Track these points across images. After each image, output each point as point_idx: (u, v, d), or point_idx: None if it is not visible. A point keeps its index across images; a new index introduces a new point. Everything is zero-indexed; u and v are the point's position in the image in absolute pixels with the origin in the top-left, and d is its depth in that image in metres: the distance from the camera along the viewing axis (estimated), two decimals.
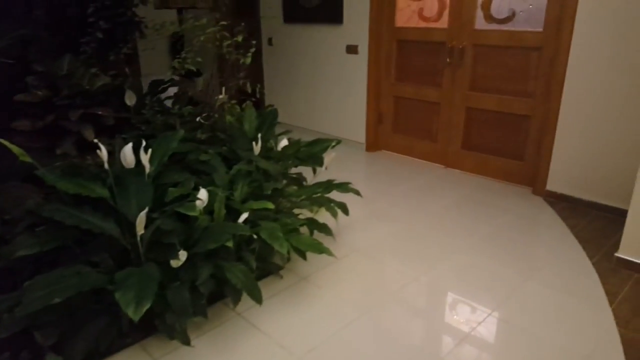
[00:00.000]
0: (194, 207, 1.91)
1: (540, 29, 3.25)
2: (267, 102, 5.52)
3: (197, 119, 2.97)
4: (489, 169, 3.76)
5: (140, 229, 1.76)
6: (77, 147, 2.56)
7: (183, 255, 1.77)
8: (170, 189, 2.08)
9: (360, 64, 4.33)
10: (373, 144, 4.52)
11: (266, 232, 1.96)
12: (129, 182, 2.01)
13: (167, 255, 1.77)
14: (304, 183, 3.13)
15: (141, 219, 1.75)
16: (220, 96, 3.02)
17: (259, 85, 3.09)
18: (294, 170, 2.84)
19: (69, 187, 1.86)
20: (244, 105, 2.87)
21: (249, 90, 3.12)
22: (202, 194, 1.95)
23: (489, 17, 3.51)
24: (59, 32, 3.03)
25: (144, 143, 2.04)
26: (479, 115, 3.73)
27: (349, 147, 4.62)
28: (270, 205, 2.19)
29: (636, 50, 2.80)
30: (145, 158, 2.04)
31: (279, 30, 5.06)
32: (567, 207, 3.24)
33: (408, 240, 2.80)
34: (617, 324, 2.05)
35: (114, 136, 2.72)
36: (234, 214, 2.14)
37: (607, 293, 2.27)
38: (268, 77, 5.42)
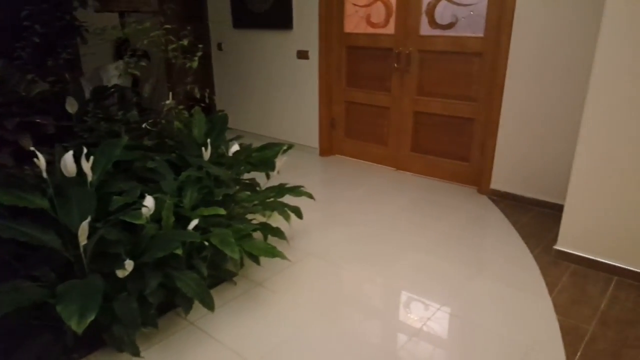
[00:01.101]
0: (139, 215, 1.85)
1: (481, 35, 3.40)
2: (218, 108, 5.46)
3: (144, 125, 2.90)
4: (437, 170, 3.88)
5: (82, 240, 1.69)
6: (15, 157, 2.43)
7: (129, 265, 1.71)
8: (115, 197, 2.01)
9: (311, 69, 4.36)
10: (326, 149, 4.56)
11: (217, 238, 1.93)
12: (71, 192, 1.93)
13: (113, 266, 1.71)
14: (258, 188, 3.12)
15: (83, 229, 1.68)
16: (168, 101, 2.95)
17: (208, 91, 3.05)
18: (247, 175, 2.82)
19: (5, 199, 1.76)
20: (192, 111, 2.82)
21: (198, 96, 3.08)
22: (148, 201, 1.90)
23: (433, 23, 3.63)
24: None
25: (85, 151, 1.97)
26: (427, 119, 3.85)
27: (303, 152, 4.64)
28: (222, 211, 2.16)
29: (567, 55, 2.99)
30: (87, 166, 1.96)
31: (229, 35, 5.02)
32: (511, 204, 3.40)
33: (362, 242, 2.84)
34: (556, 312, 2.17)
35: (54, 145, 2.61)
36: (184, 221, 2.10)
37: (547, 284, 2.40)
38: (218, 82, 5.36)
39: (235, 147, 2.73)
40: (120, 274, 1.70)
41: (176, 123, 2.88)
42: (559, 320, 2.11)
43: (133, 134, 2.90)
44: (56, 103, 2.86)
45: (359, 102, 4.24)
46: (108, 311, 1.68)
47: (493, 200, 3.47)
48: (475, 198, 3.53)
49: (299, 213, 2.63)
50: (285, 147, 2.58)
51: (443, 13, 3.57)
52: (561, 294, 2.31)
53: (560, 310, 2.18)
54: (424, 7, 3.62)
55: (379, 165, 4.25)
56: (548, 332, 2.03)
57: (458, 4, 3.48)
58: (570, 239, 2.58)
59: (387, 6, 3.85)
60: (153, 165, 2.32)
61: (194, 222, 2.02)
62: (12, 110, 2.59)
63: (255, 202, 2.41)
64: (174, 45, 2.46)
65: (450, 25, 3.56)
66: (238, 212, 2.41)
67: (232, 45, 5.03)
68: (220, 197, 2.21)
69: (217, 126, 2.78)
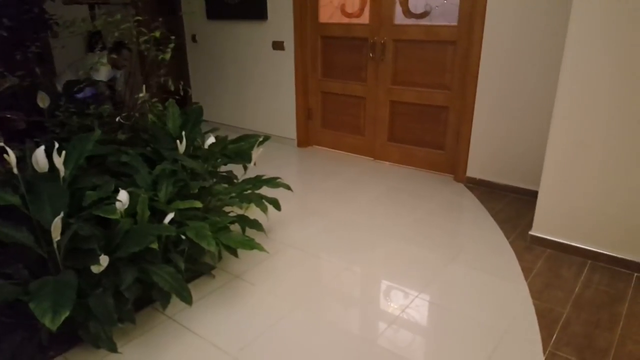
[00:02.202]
0: (113, 210, 1.84)
1: (455, 24, 3.44)
2: (193, 100, 5.40)
3: (117, 119, 2.86)
4: (414, 159, 3.93)
5: (56, 236, 1.67)
6: None
7: (104, 260, 1.70)
8: (88, 192, 1.99)
9: (287, 60, 4.35)
10: (304, 140, 4.57)
11: (193, 231, 1.93)
12: (43, 188, 1.90)
13: (87, 262, 1.70)
14: (235, 180, 3.11)
15: (56, 225, 1.66)
16: (141, 94, 2.91)
17: (182, 83, 3.02)
18: (224, 168, 2.82)
19: None
20: (166, 104, 2.79)
21: (172, 88, 3.05)
22: (122, 195, 1.88)
23: (407, 12, 3.66)
24: None
25: (57, 145, 1.94)
26: (402, 109, 3.88)
27: (280, 144, 4.64)
28: (198, 204, 2.15)
29: (540, 42, 3.05)
30: (59, 161, 1.93)
31: (203, 27, 4.96)
32: (486, 191, 3.47)
33: (340, 232, 2.87)
34: (532, 296, 2.23)
35: (25, 141, 2.57)
36: (159, 215, 2.09)
37: (523, 269, 2.46)
38: (193, 74, 5.30)
39: (211, 140, 2.71)
40: (95, 269, 1.69)
41: (150, 116, 2.85)
42: (535, 305, 2.16)
43: (106, 128, 2.86)
44: (26, 98, 2.80)
45: (335, 93, 4.25)
46: (83, 307, 1.67)
47: (469, 188, 3.54)
48: (451, 186, 3.60)
49: (277, 205, 2.64)
50: (261, 139, 2.58)
51: (417, 2, 3.60)
52: (536, 279, 2.38)
53: (536, 294, 2.24)
54: None
55: (357, 155, 4.28)
56: (524, 316, 2.09)
57: None
58: (544, 225, 2.66)
59: None
60: (127, 159, 2.30)
61: (170, 216, 2.01)
62: None
63: (232, 194, 2.41)
64: (145, 38, 2.42)
65: (424, 14, 3.59)
66: (215, 205, 2.40)
67: (207, 36, 4.98)
68: (197, 190, 2.20)
69: (192, 119, 2.75)
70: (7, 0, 2.64)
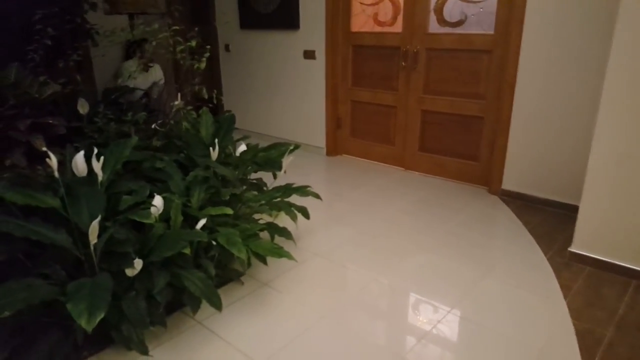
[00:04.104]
0: (148, 215, 1.88)
1: (491, 32, 3.38)
2: (225, 109, 5.49)
3: (153, 126, 2.93)
4: (445, 170, 3.87)
5: (93, 238, 1.72)
6: (27, 157, 2.48)
7: (138, 264, 1.74)
8: (124, 197, 2.04)
9: (317, 69, 4.37)
10: (333, 149, 4.57)
11: (224, 237, 1.95)
12: (81, 191, 1.96)
13: (122, 265, 1.73)
14: (265, 188, 3.14)
15: (93, 228, 1.71)
16: (176, 102, 2.98)
17: (215, 91, 3.07)
18: (254, 175, 2.84)
19: (18, 198, 1.80)
20: (200, 112, 2.84)
21: (205, 96, 3.11)
22: (157, 200, 1.92)
23: (441, 21, 3.62)
24: (5, 40, 2.92)
25: (95, 151, 2.00)
26: (434, 118, 3.84)
27: (309, 153, 4.65)
28: (229, 211, 2.18)
29: (583, 50, 2.96)
30: (97, 166, 1.99)
31: (236, 36, 5.05)
32: (522, 205, 3.37)
33: (368, 243, 2.84)
34: (571, 316, 2.13)
35: (65, 146, 2.66)
36: (191, 221, 2.12)
37: (561, 287, 2.36)
38: (226, 83, 5.39)
39: (242, 147, 2.75)
40: (130, 272, 1.73)
41: (184, 124, 2.91)
42: (574, 325, 2.07)
43: (142, 135, 2.94)
44: (67, 104, 2.91)
45: (365, 102, 4.24)
46: (117, 310, 1.70)
47: (504, 201, 3.45)
48: (485, 198, 3.52)
49: (305, 213, 2.64)
50: (291, 147, 2.59)
51: (452, 10, 3.56)
52: (576, 297, 2.28)
53: (575, 314, 2.15)
54: (433, 4, 3.62)
55: (386, 165, 4.25)
56: (562, 336, 2.00)
57: (468, 1, 3.46)
58: (585, 241, 2.55)
59: (395, 4, 3.85)
60: (161, 166, 2.35)
61: (202, 222, 2.04)
62: (24, 111, 2.64)
63: (262, 201, 2.42)
64: (181, 47, 2.48)
65: (459, 23, 3.55)
66: (245, 212, 2.42)
67: (239, 46, 5.06)
68: (227, 197, 2.23)
69: (224, 126, 2.79)
70: (51, 11, 2.75)
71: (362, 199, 3.53)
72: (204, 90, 2.91)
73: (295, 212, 2.54)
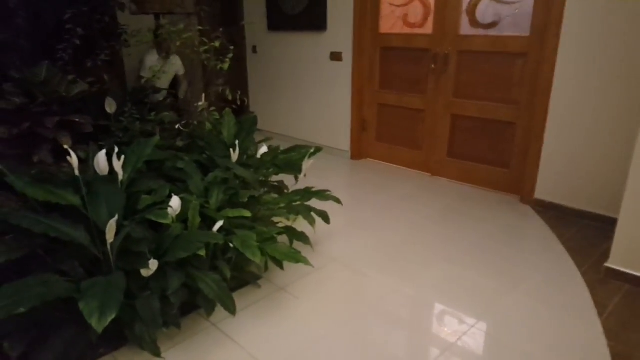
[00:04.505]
0: (165, 215, 1.87)
1: (527, 34, 3.26)
2: (251, 110, 5.51)
3: (177, 126, 2.94)
4: (475, 177, 3.75)
5: (110, 237, 1.72)
6: (54, 154, 2.52)
7: (154, 264, 1.72)
8: (144, 196, 2.04)
9: (344, 71, 4.32)
10: (357, 152, 4.51)
11: (239, 240, 1.92)
12: (101, 190, 1.97)
13: (138, 264, 1.73)
14: (286, 191, 3.11)
15: (111, 227, 1.71)
16: (201, 103, 2.99)
17: (239, 92, 3.07)
18: (275, 178, 2.81)
19: (39, 194, 1.82)
20: (223, 113, 2.84)
21: (229, 97, 3.11)
22: (175, 202, 1.91)
23: (474, 22, 3.52)
24: (37, 39, 2.99)
25: (117, 150, 2.01)
26: (464, 123, 3.73)
27: (333, 156, 4.60)
28: (247, 213, 2.15)
29: (625, 55, 2.81)
30: (118, 165, 2.00)
31: (264, 38, 5.05)
32: (556, 216, 3.22)
33: (389, 250, 2.77)
34: (607, 337, 2.00)
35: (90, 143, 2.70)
36: (209, 222, 2.11)
37: (596, 305, 2.23)
38: (252, 85, 5.41)
39: (264, 149, 2.73)
40: (145, 272, 1.72)
41: (207, 124, 2.91)
42: (610, 347, 1.94)
43: (166, 134, 2.96)
44: (96, 103, 2.96)
45: (392, 105, 4.16)
46: (131, 309, 1.69)
47: (537, 211, 3.30)
48: (517, 208, 3.38)
49: (326, 217, 2.59)
50: (312, 150, 2.55)
51: (485, 12, 3.45)
52: (612, 317, 2.14)
53: (611, 335, 2.02)
54: (465, 5, 3.51)
55: (412, 170, 4.15)
56: (597, 358, 1.88)
57: (502, 2, 3.35)
58: (623, 257, 2.40)
59: (426, 5, 3.76)
60: (182, 166, 2.34)
61: (219, 224, 2.02)
62: (52, 109, 2.69)
63: (281, 205, 2.38)
64: (206, 47, 2.48)
65: (492, 25, 3.43)
66: (264, 215, 2.39)
67: (266, 47, 5.06)
68: (246, 199, 2.20)
69: (246, 128, 2.78)
70: (81, 10, 2.80)
71: (385, 204, 3.45)
72: (228, 91, 2.90)
73: (315, 216, 2.50)
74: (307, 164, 2.47)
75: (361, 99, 4.34)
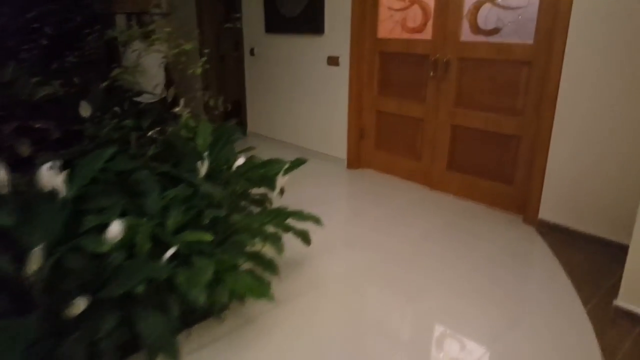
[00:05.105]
0: (102, 242, 1.62)
1: (531, 41, 2.97)
2: (249, 115, 5.28)
3: (150, 133, 2.72)
4: (476, 192, 3.46)
5: (32, 267, 1.48)
6: (13, 164, 2.31)
7: (80, 303, 1.48)
8: (88, 217, 1.80)
9: (341, 76, 4.06)
10: (355, 161, 4.24)
11: (185, 276, 1.66)
12: (41, 209, 1.74)
13: (64, 301, 1.48)
14: (268, 204, 2.86)
15: (34, 256, 1.47)
16: (178, 108, 2.76)
17: (222, 99, 2.83)
18: (259, 190, 2.58)
19: None
20: (199, 120, 2.60)
21: (211, 103, 2.88)
22: (113, 227, 1.66)
23: (475, 28, 3.24)
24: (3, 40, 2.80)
25: (58, 163, 1.78)
26: (465, 134, 3.44)
27: (330, 163, 4.35)
28: (208, 237, 1.89)
29: (635, 64, 2.51)
30: (58, 179, 1.77)
31: (261, 40, 4.82)
32: (561, 239, 2.92)
33: (378, 275, 2.50)
34: None
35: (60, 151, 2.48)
36: (164, 247, 1.86)
37: (603, 350, 1.93)
38: (250, 88, 5.17)
39: (240, 161, 2.48)
40: (69, 313, 1.47)
41: (182, 131, 2.68)
42: None
43: (142, 142, 2.74)
44: (69, 106, 2.76)
45: (391, 112, 3.89)
46: (52, 355, 1.45)
47: (540, 233, 3.00)
48: (519, 228, 3.08)
49: (306, 238, 2.33)
50: (287, 165, 2.28)
51: (487, 17, 3.17)
52: None
53: None
54: (466, 10, 3.23)
55: (411, 182, 3.87)
56: None
57: (504, 8, 3.07)
58: (635, 294, 2.10)
59: (425, 10, 3.49)
60: (144, 178, 2.11)
61: (171, 251, 1.77)
62: (14, 114, 2.48)
63: (254, 225, 2.12)
64: (175, 50, 2.25)
65: (494, 31, 3.15)
66: (237, 237, 2.14)
67: (264, 50, 4.83)
68: (207, 221, 1.95)
69: (224, 137, 2.53)
70: (49, 9, 2.59)
71: (380, 219, 3.18)
72: (208, 96, 2.66)
73: (295, 236, 2.24)
74: (282, 180, 2.22)
75: (359, 105, 4.08)
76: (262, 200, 2.85)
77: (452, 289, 2.36)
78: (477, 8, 3.19)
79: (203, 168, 2.19)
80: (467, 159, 3.48)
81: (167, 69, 4.56)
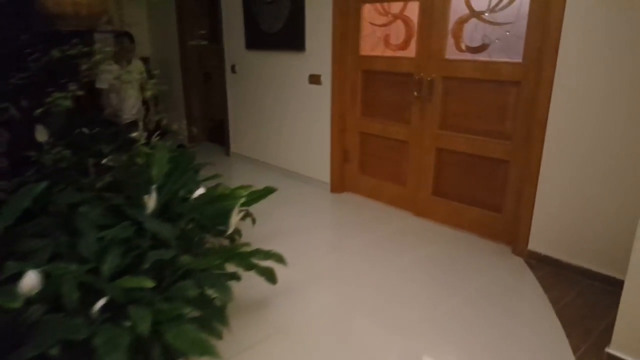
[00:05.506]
0: (14, 296, 1.41)
1: (519, 60, 2.78)
2: (231, 135, 5.09)
3: (103, 161, 2.51)
4: (463, 220, 3.23)
5: None
6: None
7: None
8: (8, 263, 1.59)
9: (323, 95, 3.87)
10: (338, 185, 4.02)
11: (103, 338, 1.43)
12: None
13: None
14: (237, 237, 2.65)
15: None
16: (135, 133, 2.55)
17: (183, 122, 2.63)
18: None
19: None
20: (155, 146, 2.40)
21: (168, 127, 2.68)
22: (28, 277, 1.44)
23: (460, 45, 3.05)
24: None
25: None
26: (451, 158, 3.23)
27: (313, 187, 4.14)
28: (148, 284, 1.67)
29: (632, 86, 2.31)
30: None
31: (242, 57, 4.64)
32: (552, 272, 2.70)
33: (352, 316, 2.28)
34: None
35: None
36: (98, 295, 1.64)
37: None
38: (232, 106, 4.98)
39: (200, 191, 2.28)
40: None
41: (139, 159, 2.47)
42: None
43: (99, 170, 2.55)
44: (19, 131, 2.57)
45: (375, 134, 3.69)
46: None
47: (530, 265, 2.77)
48: (508, 260, 2.85)
49: (271, 277, 2.10)
50: (242, 200, 2.06)
51: (473, 34, 2.98)
52: None
53: None
54: (451, 25, 3.05)
55: (396, 208, 3.64)
56: None
57: (491, 23, 2.88)
58: (629, 342, 1.87)
59: (408, 25, 3.31)
60: (81, 215, 1.90)
61: (101, 302, 1.55)
62: None
63: (203, 267, 1.90)
64: (121, 72, 2.05)
65: (481, 48, 2.96)
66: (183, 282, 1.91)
67: (245, 67, 4.65)
68: (147, 265, 1.73)
69: (182, 165, 2.33)
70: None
71: (360, 250, 2.96)
72: (164, 120, 2.47)
73: (259, 274, 2.02)
74: (235, 218, 2.00)
75: (342, 126, 3.88)
76: (230, 233, 2.64)
77: (437, 327, 2.15)
78: (462, 23, 3.01)
79: (151, 202, 1.98)
80: (453, 185, 3.27)
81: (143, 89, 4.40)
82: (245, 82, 4.69)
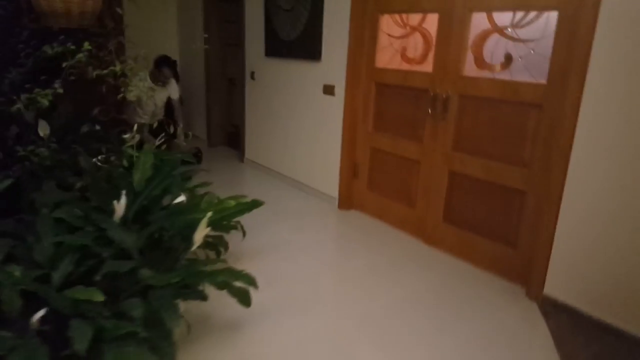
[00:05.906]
0: None
1: (543, 81, 2.54)
2: (247, 141, 5.00)
3: (93, 160, 2.45)
4: (474, 252, 2.97)
5: None
6: None
7: None
8: None
9: (336, 106, 3.72)
10: (346, 201, 3.84)
11: (21, 355, 1.30)
12: None
13: None
14: (221, 249, 2.53)
15: None
16: (126, 135, 2.47)
17: (180, 125, 2.54)
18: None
19: None
20: (141, 151, 2.31)
21: (171, 130, 2.59)
22: None
23: (480, 62, 2.83)
24: None
25: None
26: (464, 183, 3.00)
27: (320, 201, 3.97)
28: (98, 297, 1.55)
29: None
30: None
31: (261, 63, 4.56)
32: (568, 323, 2.38)
33: (338, 352, 2.07)
34: None
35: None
36: (42, 304, 1.53)
37: None
38: (249, 113, 4.90)
39: (180, 199, 2.16)
40: None
41: (124, 162, 2.39)
42: None
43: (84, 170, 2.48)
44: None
45: (386, 151, 3.49)
46: None
47: (544, 313, 2.47)
48: (520, 303, 2.57)
49: (245, 299, 1.95)
50: (209, 214, 1.90)
51: (494, 50, 2.76)
52: None
53: None
54: (471, 40, 2.84)
55: (403, 232, 3.42)
56: None
57: (515, 39, 2.66)
58: None
59: (426, 38, 3.11)
60: (42, 217, 1.80)
61: (40, 313, 1.44)
62: None
63: (161, 284, 1.76)
64: (104, 72, 1.97)
65: (502, 66, 2.73)
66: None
67: (263, 74, 4.56)
68: (99, 278, 1.61)
69: (165, 171, 2.22)
70: None
71: (354, 275, 2.77)
72: (163, 122, 2.37)
73: (233, 295, 1.87)
74: (200, 233, 1.85)
75: (353, 140, 3.71)
76: (215, 244, 2.52)
77: None
78: (483, 38, 2.80)
79: (119, 208, 1.87)
80: (465, 212, 3.02)
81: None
82: (263, 89, 4.60)
